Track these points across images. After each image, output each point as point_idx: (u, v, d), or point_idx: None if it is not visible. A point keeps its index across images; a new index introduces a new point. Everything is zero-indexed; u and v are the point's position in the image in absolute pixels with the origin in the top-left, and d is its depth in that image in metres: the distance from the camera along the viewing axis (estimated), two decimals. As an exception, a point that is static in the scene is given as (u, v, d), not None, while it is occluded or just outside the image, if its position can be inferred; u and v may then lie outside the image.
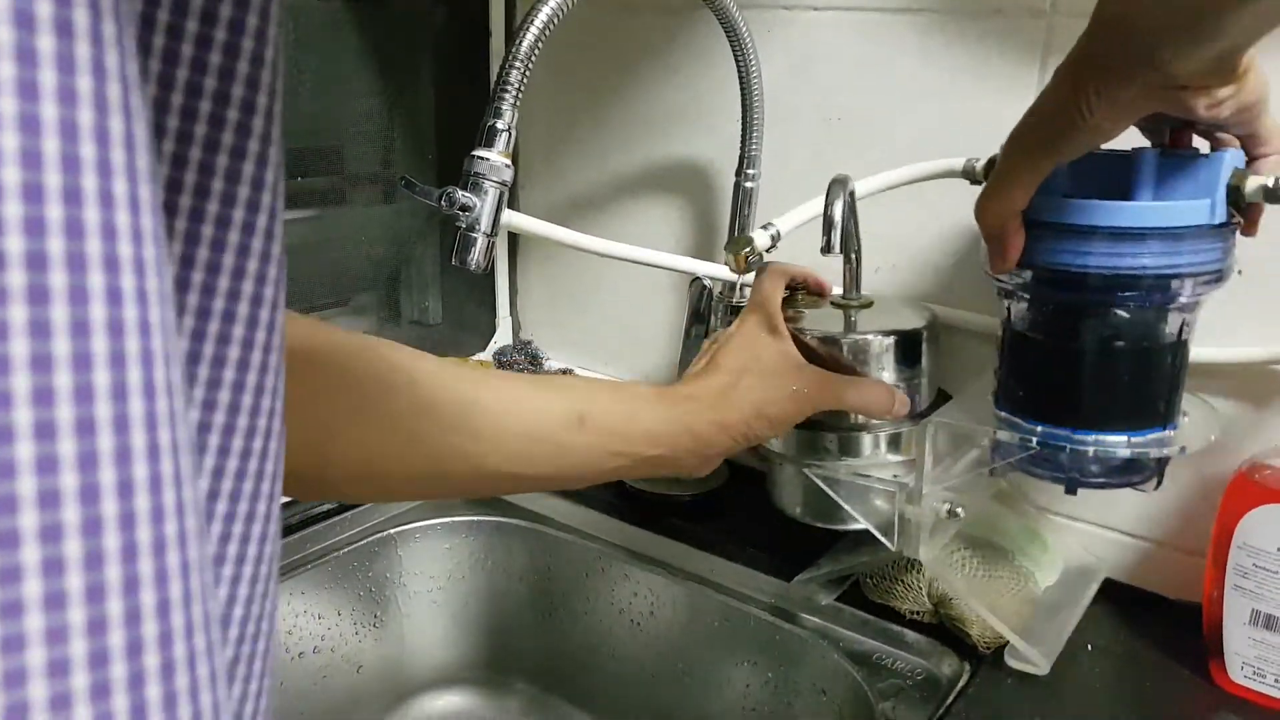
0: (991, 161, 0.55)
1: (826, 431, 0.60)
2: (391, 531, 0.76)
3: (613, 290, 0.91)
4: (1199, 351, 0.57)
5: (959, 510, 0.56)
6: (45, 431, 0.15)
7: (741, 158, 0.75)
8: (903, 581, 0.63)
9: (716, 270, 0.73)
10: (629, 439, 0.51)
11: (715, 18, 0.69)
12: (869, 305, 0.63)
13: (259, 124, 0.21)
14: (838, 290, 0.64)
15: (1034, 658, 0.57)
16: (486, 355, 0.97)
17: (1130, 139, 0.48)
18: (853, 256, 0.61)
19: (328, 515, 0.75)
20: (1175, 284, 0.48)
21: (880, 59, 0.71)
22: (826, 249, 0.59)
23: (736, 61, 0.71)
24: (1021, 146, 0.46)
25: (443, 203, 0.56)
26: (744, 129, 0.74)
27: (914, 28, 0.69)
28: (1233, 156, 0.46)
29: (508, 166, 0.57)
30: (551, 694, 0.78)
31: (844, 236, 0.59)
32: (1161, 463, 0.53)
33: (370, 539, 0.75)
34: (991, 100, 0.67)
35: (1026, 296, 0.52)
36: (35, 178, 0.15)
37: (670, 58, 0.82)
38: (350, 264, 0.87)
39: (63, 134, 0.15)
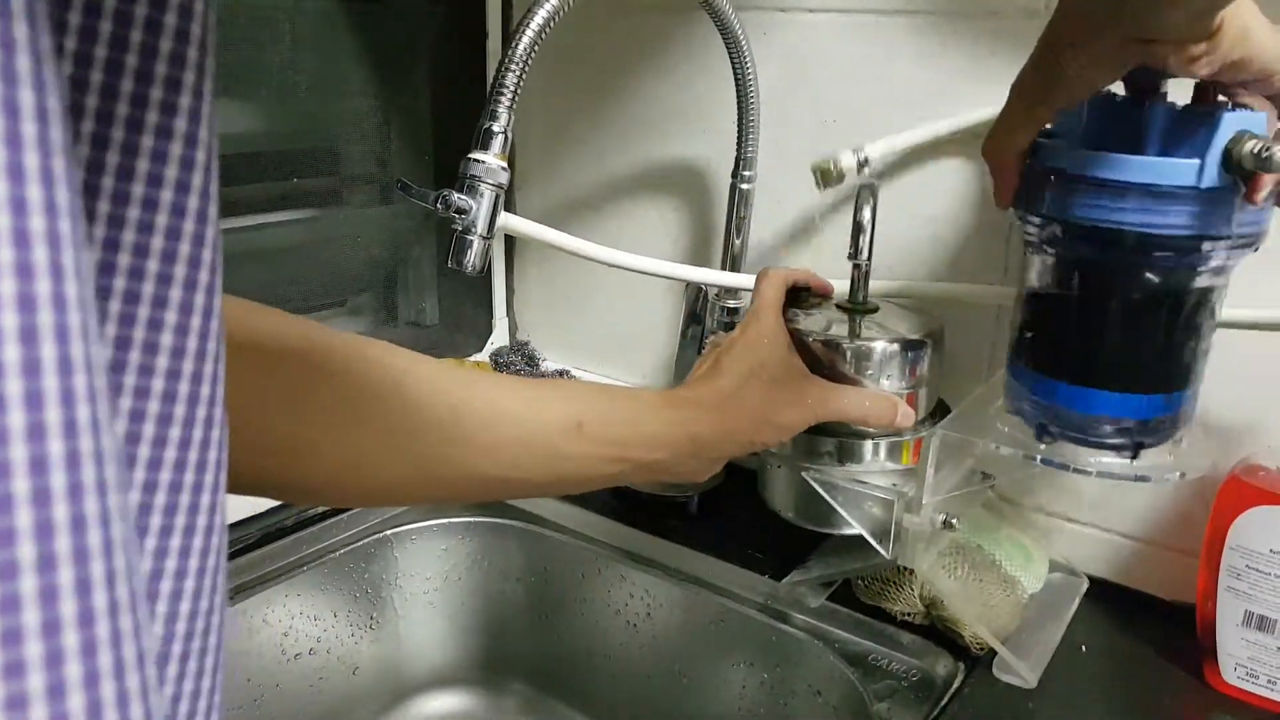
0: None
1: (826, 436, 0.60)
2: (388, 533, 0.76)
3: (609, 291, 0.91)
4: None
5: (954, 521, 0.56)
6: None
7: (738, 159, 0.75)
8: (894, 584, 0.64)
9: (713, 277, 0.73)
10: (629, 445, 0.50)
11: (711, 20, 0.69)
12: (874, 310, 0.62)
13: (185, 101, 0.20)
14: (844, 292, 0.64)
15: (1022, 671, 0.57)
16: (483, 356, 0.97)
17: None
18: (862, 261, 0.61)
19: (323, 517, 0.75)
20: (1169, 241, 0.46)
21: (876, 61, 0.71)
22: (855, 255, 0.59)
23: (733, 63, 0.71)
24: (1017, 93, 0.47)
25: (439, 205, 0.56)
26: (740, 131, 0.74)
27: (910, 29, 0.69)
28: (1239, 117, 0.44)
29: (504, 169, 0.57)
30: (548, 695, 0.78)
31: (867, 242, 0.59)
32: (1171, 427, 0.51)
33: (366, 540, 0.75)
34: (987, 102, 0.67)
35: (1050, 248, 0.51)
36: None
37: (666, 60, 0.82)
38: (347, 265, 0.87)
39: None
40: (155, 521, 0.21)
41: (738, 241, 0.77)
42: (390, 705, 0.78)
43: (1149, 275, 0.48)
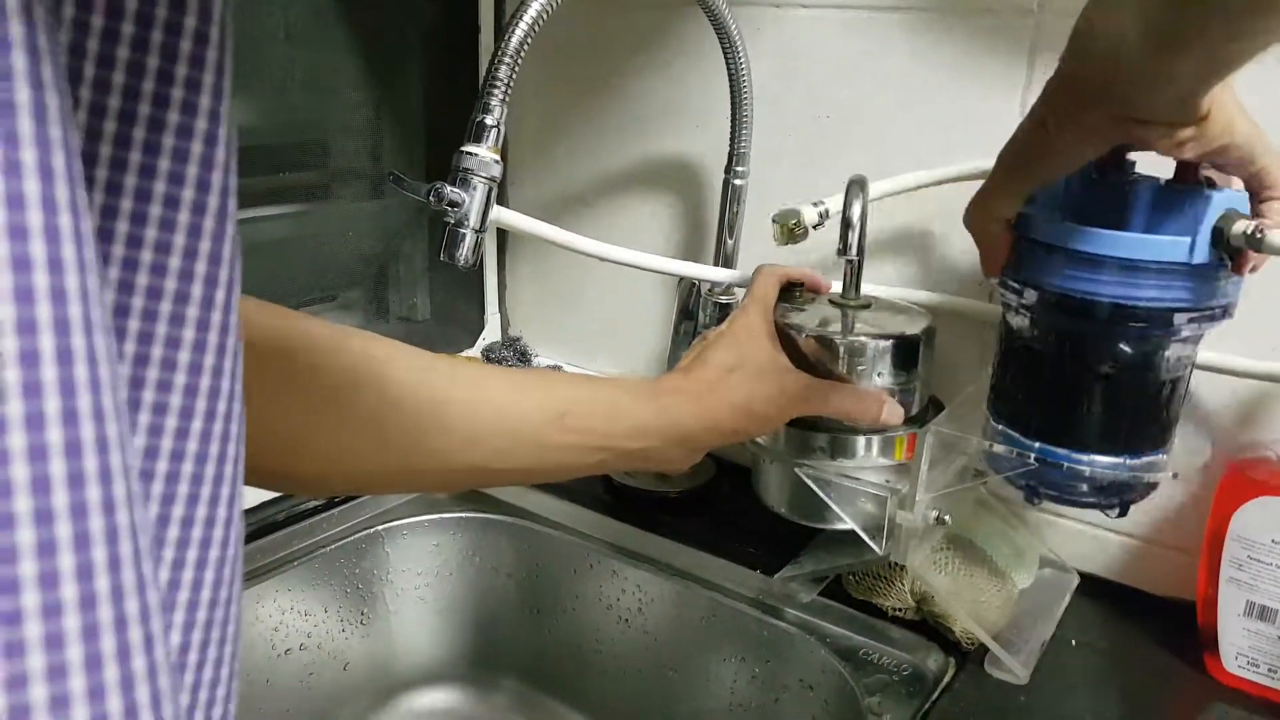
0: None
1: (819, 432, 0.60)
2: (379, 528, 0.76)
3: (601, 287, 0.91)
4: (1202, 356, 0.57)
5: (946, 517, 0.57)
6: None
7: (731, 155, 0.75)
8: (885, 579, 0.64)
9: (706, 273, 0.73)
10: (611, 435, 0.51)
11: (705, 15, 0.69)
12: (867, 306, 0.62)
13: (206, 102, 0.20)
14: (837, 289, 0.64)
15: (1014, 667, 0.57)
16: (475, 352, 0.97)
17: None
18: (855, 257, 0.61)
19: (314, 512, 0.75)
20: (1155, 314, 0.47)
21: (870, 57, 0.71)
22: (844, 250, 0.59)
23: (726, 59, 0.71)
24: (1004, 162, 0.47)
25: (431, 198, 0.56)
26: (733, 126, 0.74)
27: (903, 26, 0.70)
28: (1226, 197, 0.46)
29: (497, 162, 0.57)
30: (539, 690, 0.78)
31: (856, 238, 0.59)
32: (1148, 487, 0.53)
33: (357, 535, 0.75)
34: (980, 98, 0.67)
35: (1029, 313, 0.52)
36: None
37: (660, 55, 0.82)
38: (337, 260, 0.87)
39: None
40: (177, 512, 0.21)
41: (730, 238, 0.77)
42: (381, 701, 0.77)
43: (1127, 345, 0.49)
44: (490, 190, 0.57)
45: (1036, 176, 0.47)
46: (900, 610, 0.63)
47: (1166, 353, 0.50)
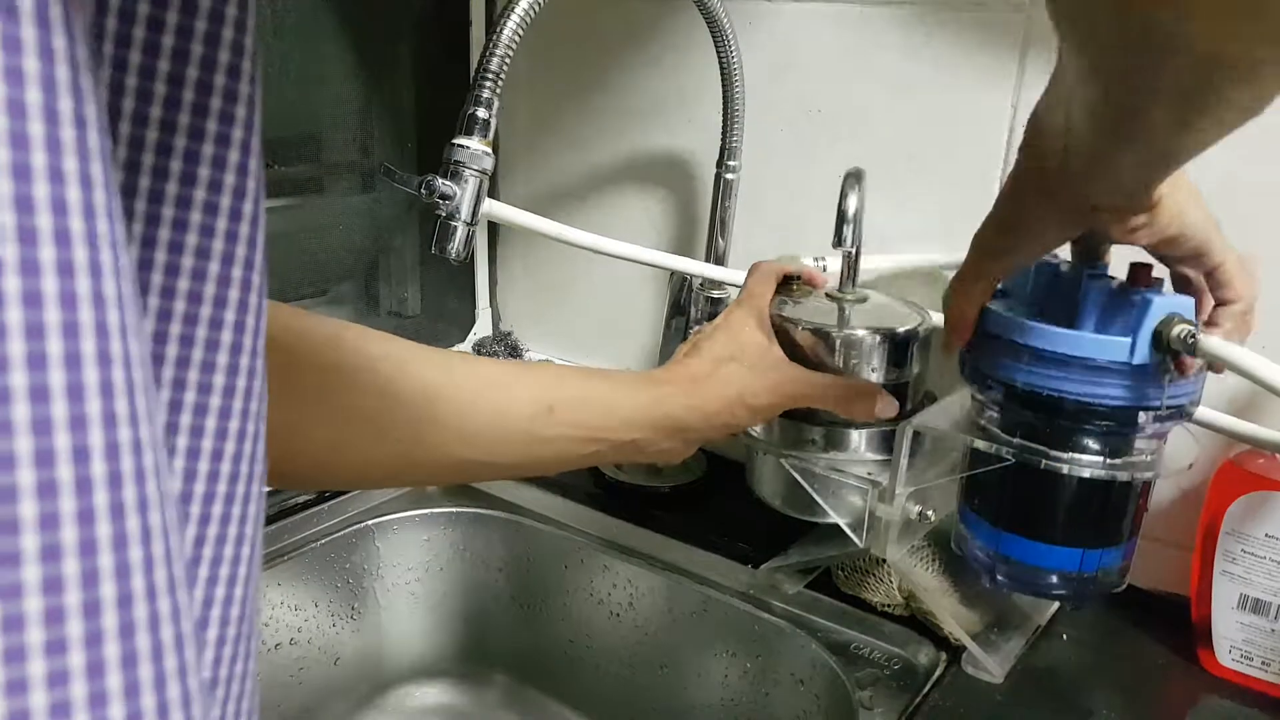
0: None
1: (814, 425, 0.60)
2: (369, 523, 0.76)
3: (593, 281, 0.91)
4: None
5: (929, 514, 0.57)
6: None
7: (723, 149, 0.75)
8: (874, 574, 0.64)
9: (697, 267, 0.73)
10: (602, 426, 0.51)
11: (697, 8, 0.68)
12: (863, 301, 0.62)
13: (242, 112, 0.21)
14: (833, 283, 0.64)
15: (990, 666, 0.58)
16: (466, 346, 0.97)
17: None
18: (852, 251, 0.61)
19: (305, 506, 0.74)
20: (1102, 411, 0.49)
21: (861, 52, 0.71)
22: (838, 243, 0.59)
23: (718, 53, 0.71)
24: (977, 246, 0.48)
25: (423, 191, 0.56)
26: (725, 120, 0.74)
27: (895, 21, 0.70)
28: (1170, 300, 0.47)
29: (488, 155, 0.57)
30: (530, 685, 0.78)
31: (851, 230, 0.59)
32: (1121, 573, 0.55)
33: (348, 530, 0.74)
34: (972, 93, 0.67)
35: (992, 407, 0.54)
36: None
37: (652, 48, 0.82)
38: (328, 254, 0.86)
39: (10, 112, 0.15)
40: (199, 489, 0.22)
41: (722, 232, 0.77)
42: (371, 696, 0.77)
43: (1086, 440, 0.51)
44: (482, 183, 0.57)
45: (1006, 260, 0.48)
46: (889, 606, 0.63)
47: (1127, 449, 0.52)
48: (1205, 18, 0.26)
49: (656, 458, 0.55)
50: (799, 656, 0.63)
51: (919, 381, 0.62)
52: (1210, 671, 0.59)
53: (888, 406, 0.57)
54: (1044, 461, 0.51)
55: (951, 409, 0.59)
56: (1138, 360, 0.47)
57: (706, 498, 0.78)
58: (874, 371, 0.59)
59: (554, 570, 0.75)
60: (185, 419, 0.21)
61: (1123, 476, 0.51)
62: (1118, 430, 0.51)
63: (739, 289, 0.61)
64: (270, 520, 0.72)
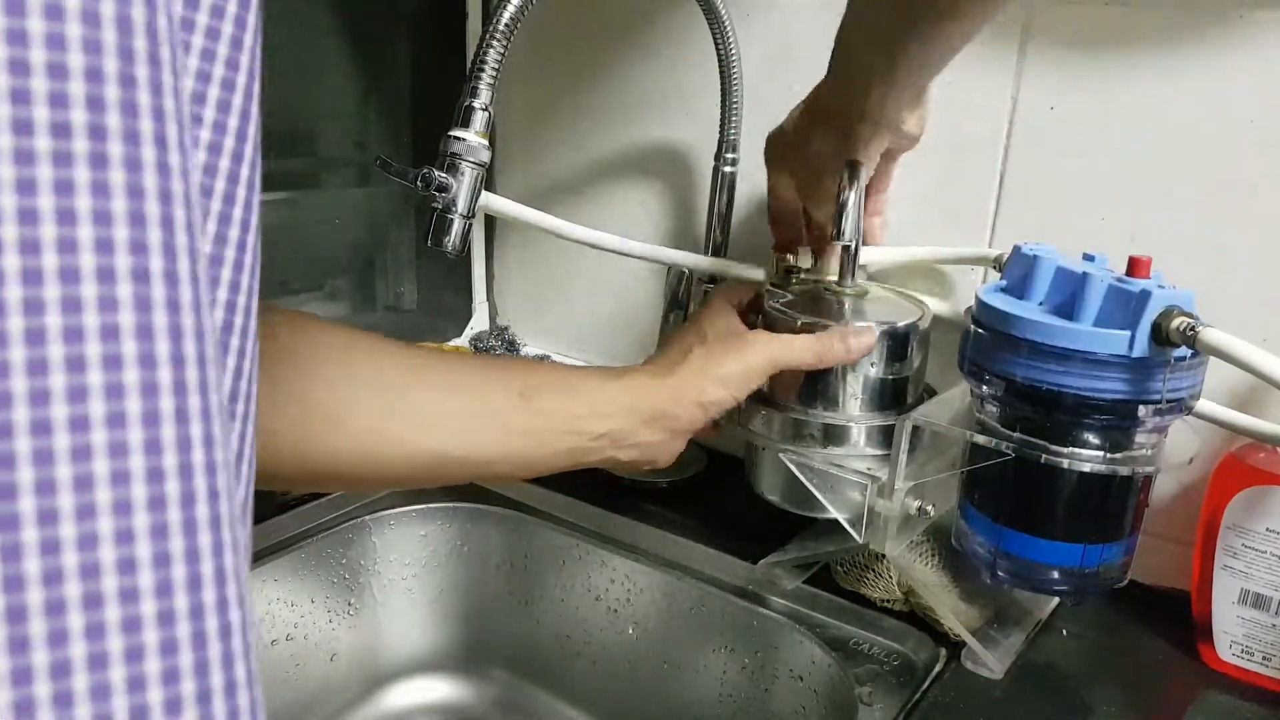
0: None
1: (811, 420, 0.60)
2: (366, 518, 0.75)
3: (591, 276, 0.90)
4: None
5: (929, 509, 0.56)
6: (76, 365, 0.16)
7: (721, 142, 0.74)
8: (873, 570, 0.63)
9: (695, 260, 0.73)
10: (576, 416, 0.51)
11: (696, 2, 0.68)
12: (863, 295, 0.62)
13: (239, 102, 0.23)
14: (832, 276, 0.64)
15: (989, 662, 0.57)
16: (463, 341, 0.96)
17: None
18: (852, 243, 0.60)
19: (301, 502, 0.74)
20: (1103, 404, 0.49)
21: (860, 44, 0.71)
22: (838, 235, 0.58)
23: (716, 45, 0.70)
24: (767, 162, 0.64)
25: (419, 183, 0.55)
26: (723, 113, 0.73)
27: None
28: (1166, 295, 0.47)
29: (485, 147, 0.57)
30: (528, 681, 0.78)
31: (851, 222, 0.59)
32: (1122, 569, 0.55)
33: (344, 525, 0.74)
34: (971, 84, 0.67)
35: (993, 402, 0.54)
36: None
37: (650, 41, 0.81)
38: (324, 248, 0.86)
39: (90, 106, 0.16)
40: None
41: (719, 225, 0.76)
42: (368, 692, 0.77)
43: (1086, 435, 0.51)
44: (479, 176, 0.57)
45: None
46: (888, 601, 0.63)
47: (1129, 442, 0.51)
48: None
49: (642, 452, 0.54)
50: (798, 652, 0.63)
51: (918, 377, 0.62)
52: (1211, 666, 0.59)
53: (859, 345, 0.57)
54: (1044, 456, 0.51)
55: (951, 403, 0.59)
56: (1137, 353, 0.48)
57: (705, 493, 0.78)
58: (873, 365, 0.59)
59: (552, 566, 0.75)
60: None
61: (1123, 471, 0.51)
62: (1118, 424, 0.51)
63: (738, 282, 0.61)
64: (266, 516, 0.72)
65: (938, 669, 0.58)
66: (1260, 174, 0.59)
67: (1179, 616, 0.61)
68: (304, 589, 0.72)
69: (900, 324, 0.59)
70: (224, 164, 0.22)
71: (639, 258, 0.71)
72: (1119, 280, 0.49)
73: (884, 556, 0.61)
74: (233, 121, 0.22)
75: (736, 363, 0.54)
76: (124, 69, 0.16)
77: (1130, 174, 0.63)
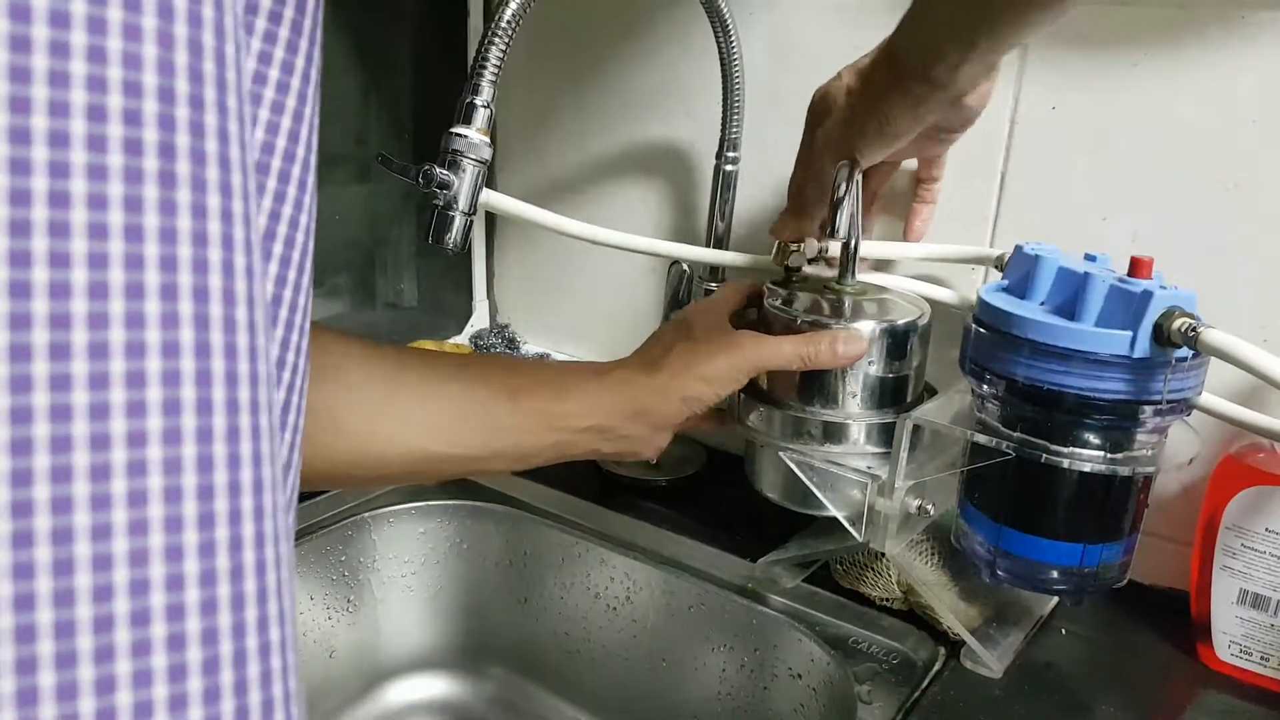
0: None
1: (810, 417, 0.60)
2: (365, 515, 0.75)
3: (591, 274, 0.90)
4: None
5: (929, 508, 0.57)
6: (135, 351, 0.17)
7: (722, 140, 0.74)
8: (872, 569, 0.63)
9: (696, 254, 0.73)
10: (561, 413, 0.52)
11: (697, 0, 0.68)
12: (863, 293, 0.62)
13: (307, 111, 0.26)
14: (831, 274, 0.64)
15: (989, 661, 0.57)
16: (463, 339, 0.96)
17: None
18: (852, 241, 0.60)
19: (301, 499, 0.73)
20: (1104, 404, 0.49)
21: (862, 42, 0.70)
22: (833, 232, 0.58)
23: (718, 43, 0.70)
24: (825, 144, 0.59)
25: (420, 180, 0.55)
26: (725, 111, 0.73)
27: (896, 10, 0.69)
28: (1168, 295, 0.47)
29: (486, 144, 0.57)
30: (527, 679, 0.78)
31: (848, 220, 0.59)
32: (1122, 569, 0.55)
33: (343, 523, 0.74)
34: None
35: (994, 403, 0.54)
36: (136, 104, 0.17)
37: (651, 39, 0.81)
38: (324, 245, 0.85)
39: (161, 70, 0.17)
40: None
41: (721, 224, 0.76)
42: (367, 689, 0.77)
43: (1087, 435, 0.51)
44: (480, 173, 0.57)
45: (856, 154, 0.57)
46: (888, 600, 0.63)
47: (1129, 443, 0.52)
48: None
49: (629, 448, 0.55)
50: (797, 650, 0.63)
51: (918, 375, 0.62)
52: (1210, 666, 0.59)
53: (849, 347, 0.57)
54: (1045, 456, 0.51)
55: (952, 403, 0.59)
56: (1138, 354, 0.48)
57: (705, 491, 0.78)
58: (872, 364, 0.59)
59: (551, 564, 0.75)
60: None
61: (1124, 471, 0.51)
62: (1119, 424, 0.51)
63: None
64: (265, 512, 0.72)
65: (937, 668, 0.58)
66: (1262, 174, 0.59)
67: (1178, 616, 0.61)
68: (303, 586, 0.72)
69: (900, 322, 0.59)
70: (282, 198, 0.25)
71: (639, 252, 0.71)
72: (1121, 280, 0.49)
73: (884, 555, 0.61)
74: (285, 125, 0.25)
75: (720, 361, 0.55)
76: (194, 90, 0.17)
77: (1132, 174, 0.63)
